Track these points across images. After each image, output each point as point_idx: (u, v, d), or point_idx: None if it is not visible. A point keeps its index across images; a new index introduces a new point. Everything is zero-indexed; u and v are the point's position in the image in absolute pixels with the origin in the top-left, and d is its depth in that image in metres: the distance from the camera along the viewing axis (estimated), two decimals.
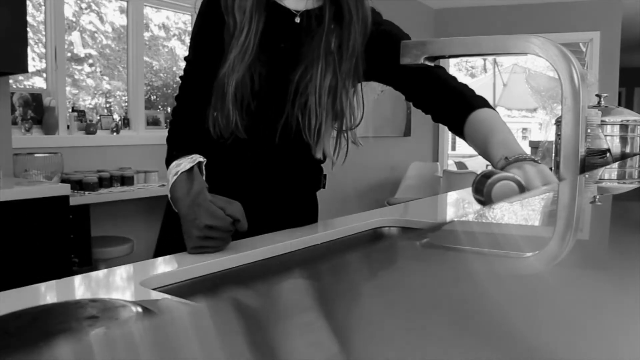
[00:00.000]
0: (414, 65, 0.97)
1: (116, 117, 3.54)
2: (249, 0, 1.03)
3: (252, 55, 1.02)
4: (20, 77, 2.99)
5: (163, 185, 3.03)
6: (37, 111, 2.95)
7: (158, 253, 1.06)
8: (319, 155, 1.12)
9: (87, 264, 2.62)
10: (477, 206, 0.85)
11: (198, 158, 1.02)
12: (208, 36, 1.08)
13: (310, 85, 1.04)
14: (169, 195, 1.02)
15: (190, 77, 1.10)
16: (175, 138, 1.08)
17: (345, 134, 1.13)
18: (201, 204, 0.93)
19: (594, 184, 0.79)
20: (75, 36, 3.42)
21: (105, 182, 2.87)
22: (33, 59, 3.16)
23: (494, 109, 1.04)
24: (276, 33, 1.07)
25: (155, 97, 3.98)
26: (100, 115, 3.38)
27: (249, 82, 1.03)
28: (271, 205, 1.13)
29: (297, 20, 1.08)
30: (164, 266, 0.85)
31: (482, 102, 1.04)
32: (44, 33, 3.07)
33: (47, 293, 0.73)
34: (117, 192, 2.80)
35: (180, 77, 1.12)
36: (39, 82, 3.19)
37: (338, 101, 1.06)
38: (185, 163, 1.01)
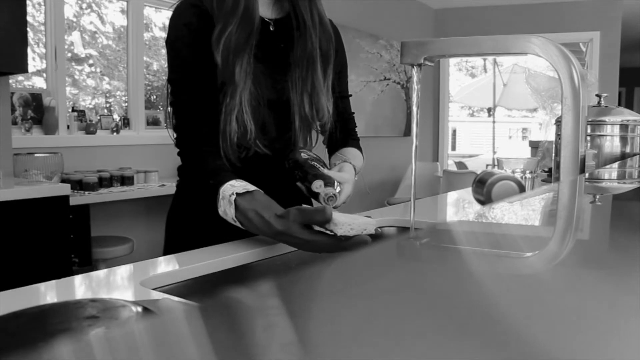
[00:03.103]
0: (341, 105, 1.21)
1: (116, 117, 3.54)
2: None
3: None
4: (20, 77, 2.98)
5: (163, 185, 3.03)
6: (37, 111, 2.95)
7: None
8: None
9: (87, 264, 2.62)
10: (477, 206, 0.86)
11: (249, 186, 0.95)
12: (203, 54, 1.01)
13: (291, 90, 1.10)
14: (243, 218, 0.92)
15: (193, 98, 1.03)
16: (206, 163, 1.01)
17: (312, 135, 1.17)
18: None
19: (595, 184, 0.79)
20: (75, 36, 3.42)
21: (105, 182, 2.87)
22: (33, 59, 3.16)
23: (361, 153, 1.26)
24: (258, 46, 1.07)
25: (155, 97, 3.98)
26: (100, 115, 3.38)
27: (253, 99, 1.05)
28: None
29: (272, 28, 1.11)
30: (164, 266, 0.85)
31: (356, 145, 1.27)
32: (44, 33, 3.07)
33: (47, 293, 0.73)
34: (117, 192, 2.80)
35: (172, 104, 1.05)
36: (39, 82, 3.19)
37: (308, 106, 1.11)
38: (241, 184, 0.94)
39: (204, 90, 1.03)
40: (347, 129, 1.27)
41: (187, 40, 1.02)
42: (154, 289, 0.75)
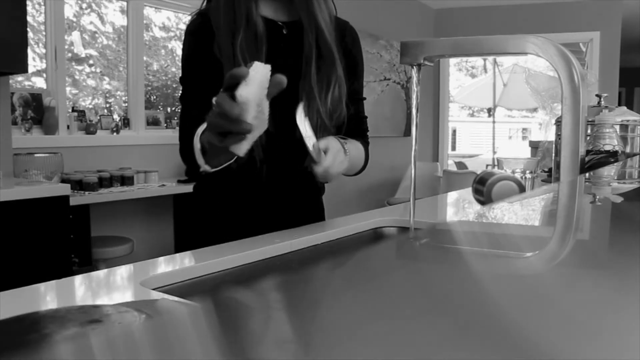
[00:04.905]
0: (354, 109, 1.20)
1: (116, 117, 3.54)
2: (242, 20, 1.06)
3: None
4: (20, 77, 2.98)
5: (163, 185, 3.03)
6: (37, 111, 2.95)
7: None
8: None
9: (87, 264, 2.62)
10: (477, 206, 0.86)
11: None
12: (203, 55, 1.07)
13: (307, 89, 1.09)
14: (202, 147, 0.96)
15: (190, 99, 1.09)
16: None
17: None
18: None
19: (607, 186, 0.79)
20: (75, 36, 3.42)
21: (105, 182, 2.87)
22: (33, 59, 3.16)
23: (367, 153, 1.24)
24: (272, 47, 1.09)
25: (155, 97, 3.98)
26: (100, 115, 3.38)
27: None
28: (278, 210, 1.16)
29: (285, 31, 1.12)
30: (164, 266, 0.85)
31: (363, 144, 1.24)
32: (44, 33, 3.07)
33: (47, 293, 0.73)
34: (117, 192, 2.80)
35: (180, 99, 1.12)
36: (39, 82, 3.19)
37: (322, 107, 1.10)
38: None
39: (203, 88, 1.06)
40: (360, 129, 1.26)
41: (191, 44, 1.11)
42: (154, 289, 0.74)
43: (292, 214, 1.18)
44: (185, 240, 1.19)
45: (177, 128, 1.14)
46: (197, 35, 1.09)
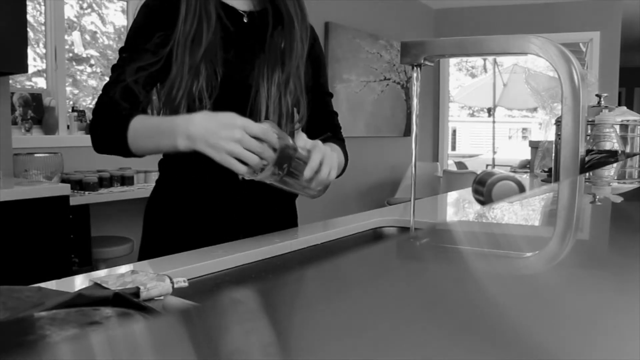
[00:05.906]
0: (324, 105, 1.19)
1: None
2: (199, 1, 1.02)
3: (214, 54, 1.02)
4: (21, 77, 2.98)
5: None
6: (37, 111, 2.95)
7: (143, 256, 1.08)
8: None
9: (87, 264, 2.62)
10: (477, 206, 0.86)
11: None
12: (156, 29, 1.02)
13: (261, 83, 1.05)
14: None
15: (126, 67, 1.02)
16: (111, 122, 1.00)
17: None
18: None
19: (607, 186, 0.79)
20: (75, 36, 3.42)
21: (105, 182, 2.87)
22: (34, 59, 3.16)
23: (345, 153, 1.17)
24: (227, 33, 1.05)
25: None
26: None
27: (206, 83, 1.01)
28: (247, 212, 1.10)
29: (245, 20, 1.09)
30: (164, 266, 0.85)
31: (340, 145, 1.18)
32: (44, 33, 3.07)
33: None
34: (117, 192, 2.80)
35: (112, 68, 1.04)
36: (39, 82, 3.19)
37: (283, 99, 1.07)
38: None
39: (144, 63, 1.01)
40: (332, 125, 1.21)
41: (146, 17, 1.04)
42: None
43: (265, 218, 1.12)
44: (151, 243, 1.12)
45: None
46: (153, 9, 1.04)
